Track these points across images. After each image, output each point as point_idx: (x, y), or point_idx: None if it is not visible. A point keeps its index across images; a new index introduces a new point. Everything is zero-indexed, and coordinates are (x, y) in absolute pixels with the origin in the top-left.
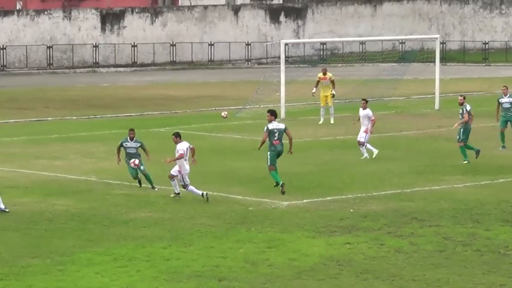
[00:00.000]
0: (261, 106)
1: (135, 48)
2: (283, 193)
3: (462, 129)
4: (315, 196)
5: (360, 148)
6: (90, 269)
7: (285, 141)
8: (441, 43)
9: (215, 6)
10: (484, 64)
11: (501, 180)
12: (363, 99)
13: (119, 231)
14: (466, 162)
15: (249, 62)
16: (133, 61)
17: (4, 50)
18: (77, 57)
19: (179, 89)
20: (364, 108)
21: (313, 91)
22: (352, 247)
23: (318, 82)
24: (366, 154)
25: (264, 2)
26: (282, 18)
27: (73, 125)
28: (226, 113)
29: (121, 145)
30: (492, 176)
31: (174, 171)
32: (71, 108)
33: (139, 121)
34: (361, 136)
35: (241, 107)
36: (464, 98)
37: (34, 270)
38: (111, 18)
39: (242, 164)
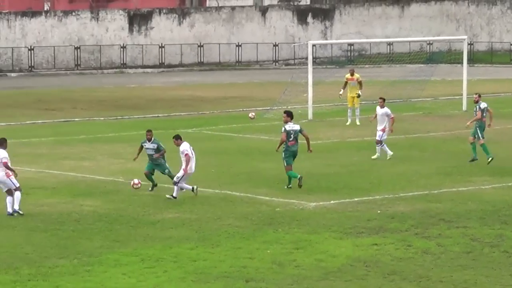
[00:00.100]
0: (289, 107)
1: (163, 49)
2: (300, 186)
3: (478, 127)
4: (343, 197)
5: (377, 147)
6: (117, 270)
7: (302, 141)
8: (468, 44)
9: (243, 7)
10: None
11: None
12: (380, 98)
13: (146, 232)
14: (490, 158)
15: (277, 63)
16: (160, 62)
17: (32, 51)
18: (105, 58)
19: (206, 90)
20: (382, 107)
21: (340, 92)
22: (380, 248)
23: (346, 83)
24: (378, 154)
25: (291, 3)
26: (309, 19)
27: (101, 126)
28: (253, 114)
29: (142, 146)
30: None
31: (185, 175)
32: (98, 109)
33: (167, 122)
34: (379, 135)
35: (269, 108)
36: (479, 96)
37: (61, 270)
38: (138, 19)
39: (269, 165)
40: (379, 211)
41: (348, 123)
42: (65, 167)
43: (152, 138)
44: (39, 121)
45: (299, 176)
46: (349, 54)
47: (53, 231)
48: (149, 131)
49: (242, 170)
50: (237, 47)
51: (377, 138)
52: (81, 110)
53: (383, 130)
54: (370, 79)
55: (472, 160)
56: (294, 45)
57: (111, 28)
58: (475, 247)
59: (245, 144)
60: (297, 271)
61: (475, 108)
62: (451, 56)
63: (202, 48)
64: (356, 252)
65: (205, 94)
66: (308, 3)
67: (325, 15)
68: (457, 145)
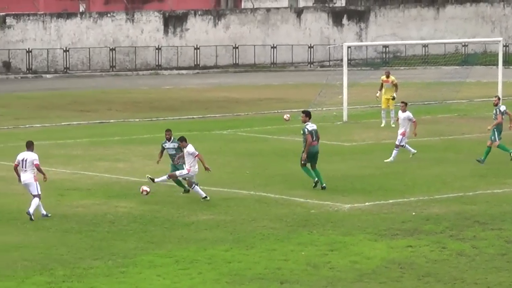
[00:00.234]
0: (324, 108)
1: (198, 50)
2: (314, 186)
3: (495, 129)
4: (377, 199)
5: (394, 151)
6: (151, 271)
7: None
8: (504, 46)
9: (278, 8)
10: None
11: None
12: (402, 102)
13: (180, 233)
14: None
15: (312, 65)
16: (195, 63)
17: (67, 53)
18: (140, 60)
19: (241, 91)
20: (404, 111)
21: (377, 94)
22: (414, 250)
23: (382, 85)
24: (392, 158)
25: (327, 5)
26: (344, 20)
27: (135, 127)
28: (288, 115)
29: (163, 147)
30: None
31: (187, 175)
32: (133, 110)
33: (202, 123)
34: (399, 139)
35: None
36: (499, 99)
37: (96, 272)
38: (173, 21)
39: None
40: (413, 213)
41: (382, 125)
42: (100, 169)
43: (172, 138)
44: (74, 123)
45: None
46: (384, 56)
47: (87, 233)
48: (168, 130)
49: (277, 172)
50: (272, 49)
51: (396, 142)
52: (116, 111)
53: (403, 134)
54: (405, 81)
55: (479, 161)
56: (329, 47)
57: (146, 29)
58: (510, 249)
59: (279, 145)
60: (332, 273)
61: (494, 111)
62: (486, 58)
63: (237, 49)
64: (391, 254)
65: (240, 95)
66: (343, 4)
67: (360, 16)
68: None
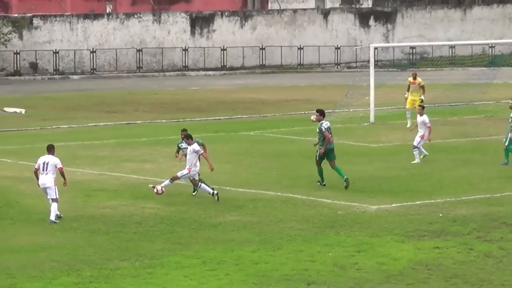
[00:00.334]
0: (351, 110)
1: (225, 51)
2: (321, 184)
3: (511, 132)
4: (404, 200)
5: (414, 152)
6: (179, 272)
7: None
8: None
9: (305, 10)
10: None
11: None
12: (419, 105)
13: (208, 234)
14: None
15: (339, 66)
16: (222, 64)
17: (94, 54)
18: (167, 61)
19: (268, 92)
20: (421, 115)
21: (406, 95)
22: (441, 252)
23: (409, 86)
24: (417, 160)
25: (353, 6)
26: (371, 22)
27: (162, 128)
28: (315, 116)
29: (178, 147)
30: None
31: (188, 175)
32: (160, 111)
33: (228, 124)
34: (416, 141)
35: (330, 111)
36: None
37: (123, 273)
38: (200, 22)
39: (331, 168)
40: (441, 215)
41: (408, 126)
42: (127, 170)
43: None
44: (101, 124)
45: (324, 183)
46: (411, 57)
47: (114, 233)
48: (183, 130)
49: (304, 173)
50: (299, 50)
51: (414, 143)
52: (143, 112)
53: (421, 137)
54: (432, 82)
55: (504, 165)
56: (356, 48)
57: (173, 30)
58: None
59: (306, 147)
60: (359, 274)
61: (511, 114)
62: None
63: (264, 50)
64: (418, 256)
65: (267, 96)
66: (370, 6)
67: (387, 18)
68: None
